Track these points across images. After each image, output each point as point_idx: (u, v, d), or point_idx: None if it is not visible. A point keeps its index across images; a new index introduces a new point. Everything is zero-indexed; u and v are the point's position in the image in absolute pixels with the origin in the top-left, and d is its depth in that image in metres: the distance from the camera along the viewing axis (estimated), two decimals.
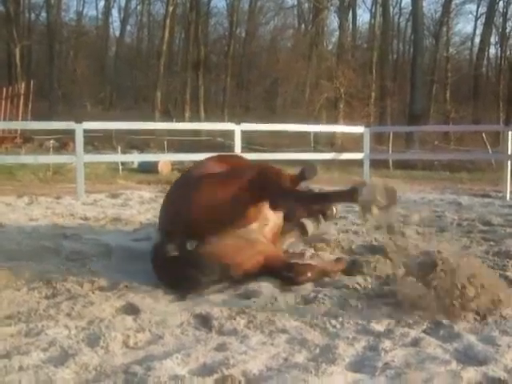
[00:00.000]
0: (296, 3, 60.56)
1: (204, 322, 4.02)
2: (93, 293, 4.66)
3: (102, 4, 71.66)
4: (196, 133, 31.43)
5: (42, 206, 10.81)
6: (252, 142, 26.01)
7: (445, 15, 52.60)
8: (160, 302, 4.48)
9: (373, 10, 55.75)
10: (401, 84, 51.88)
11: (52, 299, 4.60)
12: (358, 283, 4.90)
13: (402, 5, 60.45)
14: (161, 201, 6.37)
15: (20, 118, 24.90)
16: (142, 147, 32.14)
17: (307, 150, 30.36)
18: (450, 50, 55.23)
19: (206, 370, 3.19)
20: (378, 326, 3.91)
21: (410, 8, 48.19)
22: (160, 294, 4.72)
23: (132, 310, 4.29)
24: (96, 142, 30.63)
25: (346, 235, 7.21)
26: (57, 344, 3.57)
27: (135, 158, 23.14)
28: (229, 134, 19.44)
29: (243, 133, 14.38)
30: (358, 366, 3.31)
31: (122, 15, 69.31)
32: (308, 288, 4.86)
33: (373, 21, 54.70)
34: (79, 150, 12.57)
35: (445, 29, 53.69)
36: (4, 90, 27.36)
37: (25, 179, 19.49)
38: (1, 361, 3.30)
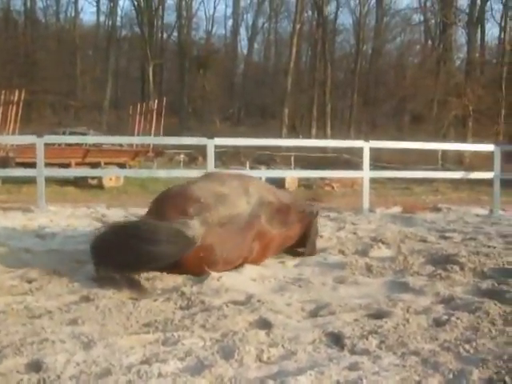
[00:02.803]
0: (423, 19, 59.67)
1: (336, 340, 4.02)
2: (226, 306, 4.77)
3: (230, 23, 73.42)
4: (322, 149, 31.53)
5: None
6: (379, 159, 25.79)
7: None
8: (292, 318, 4.53)
9: (502, 24, 54.06)
10: None
11: (187, 310, 4.75)
12: (491, 308, 4.79)
13: None
14: None
15: (153, 133, 25.78)
16: (269, 163, 32.52)
17: (435, 167, 29.88)
18: None
19: None
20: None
21: None
22: (292, 310, 4.79)
23: (265, 324, 4.35)
24: (224, 157, 31.27)
25: (477, 257, 7.03)
26: (193, 354, 3.68)
27: (262, 173, 23.39)
28: (355, 151, 19.43)
29: (370, 150, 14.30)
30: None
31: (250, 33, 70.72)
32: (440, 311, 4.80)
33: (502, 35, 53.12)
34: (210, 165, 12.86)
35: None
36: (138, 106, 28.43)
37: (156, 192, 20.15)
38: (142, 366, 3.46)
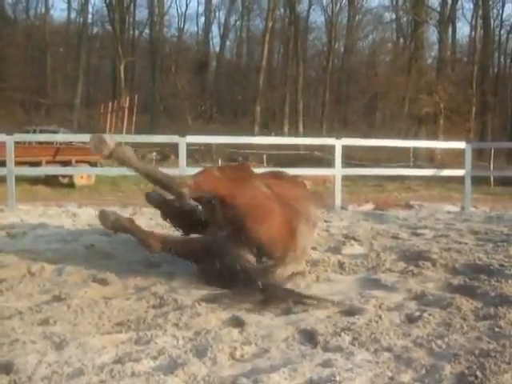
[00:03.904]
0: (395, 17, 60.09)
1: (309, 337, 4.01)
2: (199, 304, 4.75)
3: (202, 20, 73.18)
4: (294, 147, 31.56)
5: (146, 217, 11.03)
6: (351, 156, 25.87)
7: None
8: (265, 316, 4.51)
9: (473, 23, 54.66)
10: (502, 99, 50.61)
11: (159, 309, 4.71)
12: (463, 303, 4.81)
13: (504, 16, 58.49)
14: None
15: (124, 131, 25.56)
16: (241, 161, 32.47)
17: (407, 165, 30.05)
18: None
19: None
20: (484, 348, 3.83)
21: None
22: (265, 308, 4.77)
23: (238, 322, 4.34)
24: (196, 154, 31.18)
25: (448, 253, 7.08)
26: (166, 353, 3.65)
27: None
28: (327, 149, 19.46)
29: (342, 147, 14.34)
30: None
31: (222, 31, 70.57)
32: (412, 307, 4.83)
33: (473, 34, 53.69)
34: (182, 163, 12.78)
35: None
36: (109, 104, 28.23)
37: (127, 190, 20.06)
38: (114, 366, 3.42)
